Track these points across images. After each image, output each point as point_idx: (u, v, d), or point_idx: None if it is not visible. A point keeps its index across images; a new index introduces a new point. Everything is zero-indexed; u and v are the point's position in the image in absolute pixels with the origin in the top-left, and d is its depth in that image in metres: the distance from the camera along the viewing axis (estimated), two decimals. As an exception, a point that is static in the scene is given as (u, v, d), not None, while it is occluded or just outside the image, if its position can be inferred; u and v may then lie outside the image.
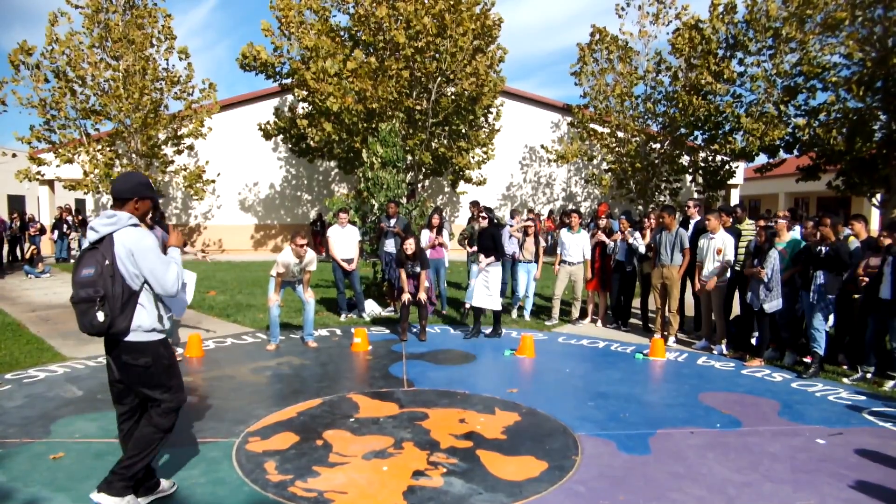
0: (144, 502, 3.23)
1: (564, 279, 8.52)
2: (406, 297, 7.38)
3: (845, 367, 6.22)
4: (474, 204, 9.94)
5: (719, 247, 6.78)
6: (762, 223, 7.10)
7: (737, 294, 7.21)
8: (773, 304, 6.16)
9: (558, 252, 8.61)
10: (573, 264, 8.43)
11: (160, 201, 21.16)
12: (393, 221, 8.96)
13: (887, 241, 5.85)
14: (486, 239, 7.65)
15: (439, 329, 8.11)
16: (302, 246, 6.69)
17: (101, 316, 2.90)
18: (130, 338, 3.01)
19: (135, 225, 3.04)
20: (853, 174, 15.92)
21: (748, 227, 7.46)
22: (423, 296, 7.46)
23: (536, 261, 8.85)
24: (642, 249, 7.90)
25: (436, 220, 9.10)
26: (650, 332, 7.77)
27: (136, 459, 3.09)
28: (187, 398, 3.18)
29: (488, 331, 7.74)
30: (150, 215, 5.77)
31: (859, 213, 8.37)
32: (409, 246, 7.39)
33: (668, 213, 7.24)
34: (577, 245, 8.40)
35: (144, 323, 3.03)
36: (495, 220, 8.21)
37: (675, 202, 18.23)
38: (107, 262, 2.92)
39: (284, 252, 6.73)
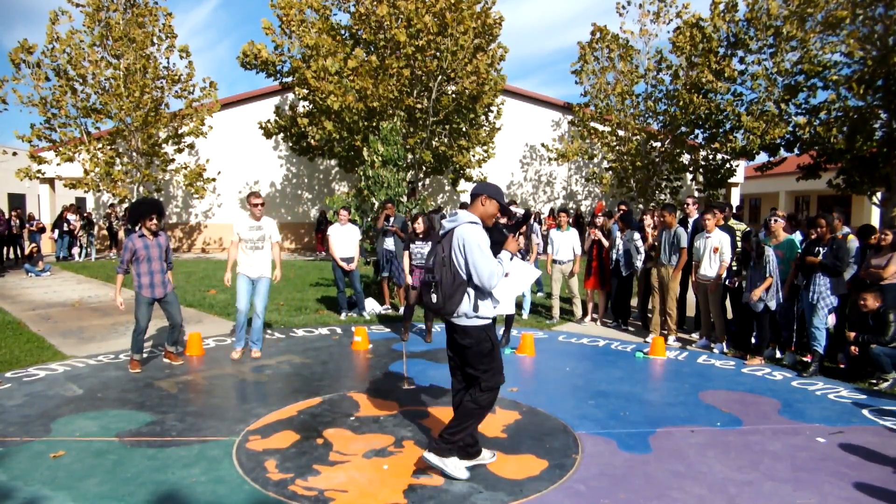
0: (467, 464, 3.59)
1: (559, 278, 8.60)
2: (412, 295, 7.21)
3: (843, 366, 6.20)
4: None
5: (716, 245, 6.77)
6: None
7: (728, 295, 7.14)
8: (772, 301, 6.17)
9: (549, 251, 8.64)
10: (563, 262, 8.49)
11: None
12: (392, 220, 8.98)
13: (888, 239, 5.85)
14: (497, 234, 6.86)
15: (439, 328, 8.11)
16: (257, 206, 6.04)
17: (434, 297, 3.35)
18: (457, 321, 3.40)
19: (472, 222, 3.38)
20: (854, 173, 15.92)
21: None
22: None
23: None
24: (641, 257, 7.89)
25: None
26: (650, 331, 7.76)
27: (458, 429, 3.47)
28: (501, 381, 3.52)
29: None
30: (154, 222, 5.79)
31: (860, 213, 8.35)
32: (420, 224, 6.99)
33: (669, 212, 7.22)
34: (566, 243, 8.46)
35: (469, 309, 3.36)
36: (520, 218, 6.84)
37: (676, 201, 18.23)
38: (444, 253, 3.35)
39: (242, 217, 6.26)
